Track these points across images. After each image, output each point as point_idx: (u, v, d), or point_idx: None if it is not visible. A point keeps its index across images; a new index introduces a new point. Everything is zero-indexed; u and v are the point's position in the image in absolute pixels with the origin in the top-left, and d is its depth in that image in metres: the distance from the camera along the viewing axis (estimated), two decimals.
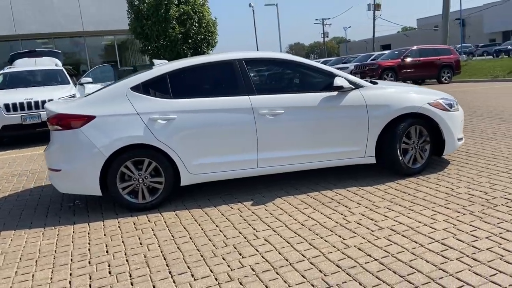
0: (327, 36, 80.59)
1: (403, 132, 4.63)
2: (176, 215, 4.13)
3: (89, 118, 4.14)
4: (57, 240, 3.71)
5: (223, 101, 4.35)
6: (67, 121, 4.14)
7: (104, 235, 3.76)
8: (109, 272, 3.04)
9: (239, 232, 3.59)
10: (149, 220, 4.04)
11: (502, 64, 22.19)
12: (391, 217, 3.64)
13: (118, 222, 4.04)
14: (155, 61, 4.97)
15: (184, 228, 3.78)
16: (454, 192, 4.14)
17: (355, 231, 3.42)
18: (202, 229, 3.71)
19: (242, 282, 2.76)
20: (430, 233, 3.26)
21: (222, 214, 4.05)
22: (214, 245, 3.36)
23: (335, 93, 4.55)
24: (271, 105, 4.38)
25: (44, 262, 3.29)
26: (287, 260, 3.02)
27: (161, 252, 3.32)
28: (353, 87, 4.60)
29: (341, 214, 3.79)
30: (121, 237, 3.68)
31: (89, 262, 3.23)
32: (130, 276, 2.97)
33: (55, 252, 3.48)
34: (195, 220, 3.95)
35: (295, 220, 3.75)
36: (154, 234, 3.69)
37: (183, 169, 4.27)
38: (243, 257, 3.11)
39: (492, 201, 3.81)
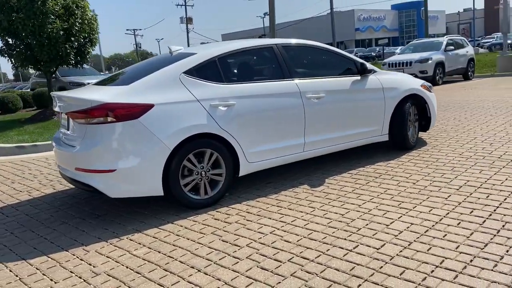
0: (140, 47, 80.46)
1: (408, 111, 5.22)
2: (247, 204, 3.94)
3: (148, 107, 3.63)
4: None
5: (274, 86, 4.30)
6: (121, 112, 3.57)
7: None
8: None
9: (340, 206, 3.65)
10: (228, 214, 3.76)
11: None
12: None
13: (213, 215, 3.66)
14: (172, 47, 4.52)
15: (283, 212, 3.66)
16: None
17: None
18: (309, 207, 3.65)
19: None
20: None
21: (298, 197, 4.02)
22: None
23: (359, 77, 4.87)
24: (315, 89, 4.48)
25: None
26: None
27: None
28: (374, 71, 5.00)
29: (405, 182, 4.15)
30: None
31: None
32: None
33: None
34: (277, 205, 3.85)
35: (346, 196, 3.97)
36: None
37: (242, 158, 4.06)
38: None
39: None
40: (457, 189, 3.91)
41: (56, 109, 4.24)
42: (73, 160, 3.75)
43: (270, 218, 3.59)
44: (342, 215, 3.53)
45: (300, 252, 2.93)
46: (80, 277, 2.83)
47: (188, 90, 3.87)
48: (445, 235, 3.01)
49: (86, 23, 11.47)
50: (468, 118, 7.36)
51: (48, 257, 3.18)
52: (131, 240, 3.38)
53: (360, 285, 2.46)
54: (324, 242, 3.06)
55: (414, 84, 5.38)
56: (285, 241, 3.13)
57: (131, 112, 3.58)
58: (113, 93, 3.73)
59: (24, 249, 3.35)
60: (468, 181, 4.10)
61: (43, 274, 2.91)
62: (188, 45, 58.11)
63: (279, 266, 2.76)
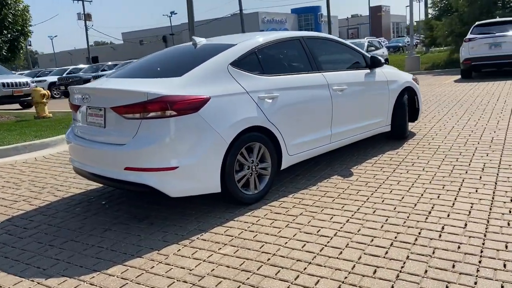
0: (30, 45, 75.00)
1: (406, 102, 5.53)
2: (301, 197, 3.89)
3: (206, 100, 3.43)
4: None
5: (308, 78, 4.32)
6: (182, 105, 3.32)
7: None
8: None
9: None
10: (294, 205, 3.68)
11: None
12: None
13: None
14: (196, 38, 4.30)
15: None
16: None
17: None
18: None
19: None
20: None
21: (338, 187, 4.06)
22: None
23: (369, 70, 5.05)
24: (339, 81, 4.56)
25: None
26: None
27: None
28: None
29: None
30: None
31: None
32: None
33: None
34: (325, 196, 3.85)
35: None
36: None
37: (284, 150, 4.02)
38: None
39: None
40: (482, 170, 4.26)
41: (78, 102, 3.88)
42: (122, 159, 3.40)
43: (332, 208, 3.59)
44: (400, 200, 3.65)
45: (397, 235, 2.99)
46: (185, 282, 2.61)
47: (237, 82, 3.72)
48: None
49: (19, 14, 10.41)
50: (427, 110, 7.99)
51: (125, 265, 2.87)
52: (204, 240, 3.17)
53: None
54: (409, 225, 3.15)
55: (408, 77, 5.72)
56: (369, 228, 3.17)
57: (191, 105, 3.35)
58: (169, 85, 3.44)
59: (86, 261, 2.98)
60: (486, 162, 4.50)
61: (139, 284, 2.63)
62: (88, 43, 55.36)
63: (388, 250, 2.79)
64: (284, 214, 3.55)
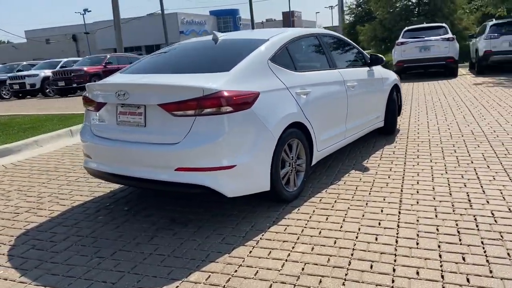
0: None
1: (395, 99, 5.80)
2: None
3: (257, 95, 3.33)
4: None
5: (330, 74, 4.40)
6: (239, 100, 3.20)
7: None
8: None
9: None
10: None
11: None
12: None
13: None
14: (217, 33, 4.14)
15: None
16: None
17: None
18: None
19: None
20: None
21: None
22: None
23: (368, 68, 5.22)
24: (351, 78, 4.67)
25: None
26: None
27: None
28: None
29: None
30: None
31: None
32: None
33: None
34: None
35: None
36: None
37: (315, 147, 4.04)
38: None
39: None
40: (484, 159, 4.60)
41: (104, 100, 3.58)
42: (173, 159, 3.19)
43: (375, 201, 3.67)
44: (433, 190, 3.82)
45: (457, 223, 3.13)
46: (284, 283, 2.51)
47: (278, 77, 3.65)
48: None
49: None
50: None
51: (204, 271, 2.69)
52: (269, 240, 3.07)
53: None
54: (460, 213, 3.32)
55: (394, 75, 6.01)
56: (425, 217, 3.28)
57: (246, 100, 3.24)
58: (221, 80, 3.27)
59: (157, 271, 2.76)
60: (483, 152, 4.86)
61: None
62: None
63: (460, 237, 2.92)
64: (331, 209, 3.56)
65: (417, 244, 2.88)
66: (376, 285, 2.45)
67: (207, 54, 4.05)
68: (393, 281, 2.48)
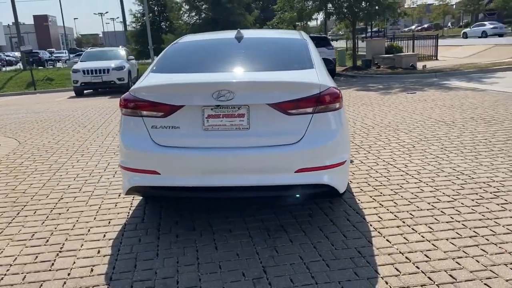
0: None
1: None
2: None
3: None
4: None
5: None
6: (341, 96, 3.24)
7: None
8: None
9: None
10: None
11: None
12: None
13: None
14: (243, 31, 4.09)
15: None
16: None
17: None
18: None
19: None
20: None
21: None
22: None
23: None
24: None
25: None
26: None
27: None
28: None
29: None
30: None
31: None
32: None
33: None
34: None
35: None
36: None
37: None
38: None
39: None
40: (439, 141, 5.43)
41: (186, 102, 3.11)
42: (293, 160, 3.05)
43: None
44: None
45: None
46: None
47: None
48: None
49: None
50: None
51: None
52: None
53: None
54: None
55: None
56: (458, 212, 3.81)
57: (341, 96, 3.29)
58: (319, 76, 3.24)
59: (302, 278, 2.68)
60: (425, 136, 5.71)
61: None
62: None
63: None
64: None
65: None
66: None
67: (261, 51, 3.93)
68: None
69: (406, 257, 2.83)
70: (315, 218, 3.52)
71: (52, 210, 3.96)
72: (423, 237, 3.09)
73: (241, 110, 3.08)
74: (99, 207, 3.98)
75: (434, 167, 4.62)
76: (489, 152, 5.03)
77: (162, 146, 3.16)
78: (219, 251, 3.05)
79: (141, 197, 4.03)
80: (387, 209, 3.60)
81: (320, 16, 19.44)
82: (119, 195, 4.22)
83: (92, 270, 2.86)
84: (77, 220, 3.70)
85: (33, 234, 3.47)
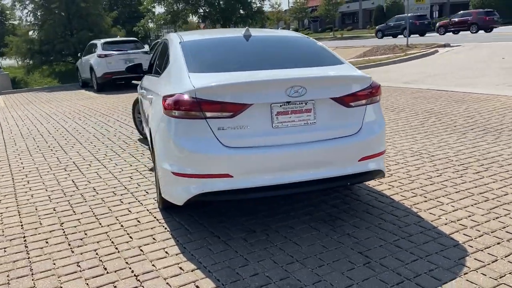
0: None
1: None
2: None
3: None
4: None
5: None
6: (380, 91, 3.53)
7: None
8: None
9: None
10: None
11: None
12: None
13: None
14: (250, 29, 4.02)
15: None
16: None
17: None
18: None
19: None
20: None
21: None
22: None
23: None
24: None
25: None
26: None
27: None
28: None
29: None
30: None
31: None
32: None
33: None
34: None
35: None
36: None
37: None
38: None
39: None
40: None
41: (251, 101, 3.03)
42: (356, 150, 3.28)
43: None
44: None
45: None
46: None
47: None
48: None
49: None
50: None
51: None
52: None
53: None
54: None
55: None
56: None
57: None
58: (356, 71, 3.50)
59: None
60: None
61: None
62: None
63: None
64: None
65: None
66: None
67: (284, 49, 4.00)
68: None
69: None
70: (352, 205, 3.74)
71: None
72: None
73: (308, 105, 3.16)
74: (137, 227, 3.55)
75: None
76: None
77: (232, 147, 3.05)
78: (302, 246, 3.06)
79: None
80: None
81: (195, 19, 19.28)
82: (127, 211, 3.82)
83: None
84: None
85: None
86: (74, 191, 4.42)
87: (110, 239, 3.29)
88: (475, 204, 3.60)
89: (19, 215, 3.87)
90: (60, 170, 5.21)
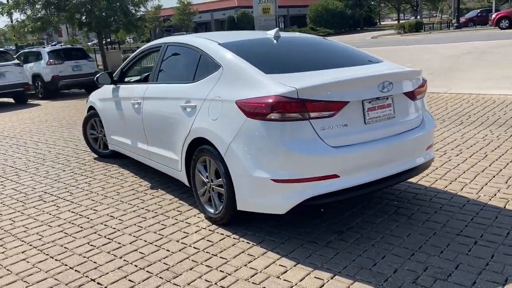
0: None
1: None
2: None
3: None
4: None
5: None
6: None
7: None
8: None
9: None
10: None
11: None
12: None
13: None
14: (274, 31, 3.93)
15: None
16: None
17: None
18: None
19: None
20: None
21: None
22: None
23: None
24: None
25: None
26: None
27: None
28: None
29: None
30: None
31: None
32: None
33: None
34: None
35: None
36: None
37: None
38: None
39: None
40: None
41: (356, 97, 3.05)
42: (424, 141, 3.48)
43: None
44: None
45: None
46: None
47: None
48: None
49: None
50: None
51: None
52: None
53: None
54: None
55: None
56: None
57: None
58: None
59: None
60: None
61: None
62: None
63: None
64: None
65: None
66: None
67: (323, 50, 4.05)
68: None
69: None
70: (399, 197, 3.89)
71: None
72: None
73: (389, 100, 3.27)
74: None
75: None
76: None
77: (337, 147, 2.99)
78: (403, 238, 3.11)
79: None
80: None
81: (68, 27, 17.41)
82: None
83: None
84: None
85: None
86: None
87: None
88: None
89: None
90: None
